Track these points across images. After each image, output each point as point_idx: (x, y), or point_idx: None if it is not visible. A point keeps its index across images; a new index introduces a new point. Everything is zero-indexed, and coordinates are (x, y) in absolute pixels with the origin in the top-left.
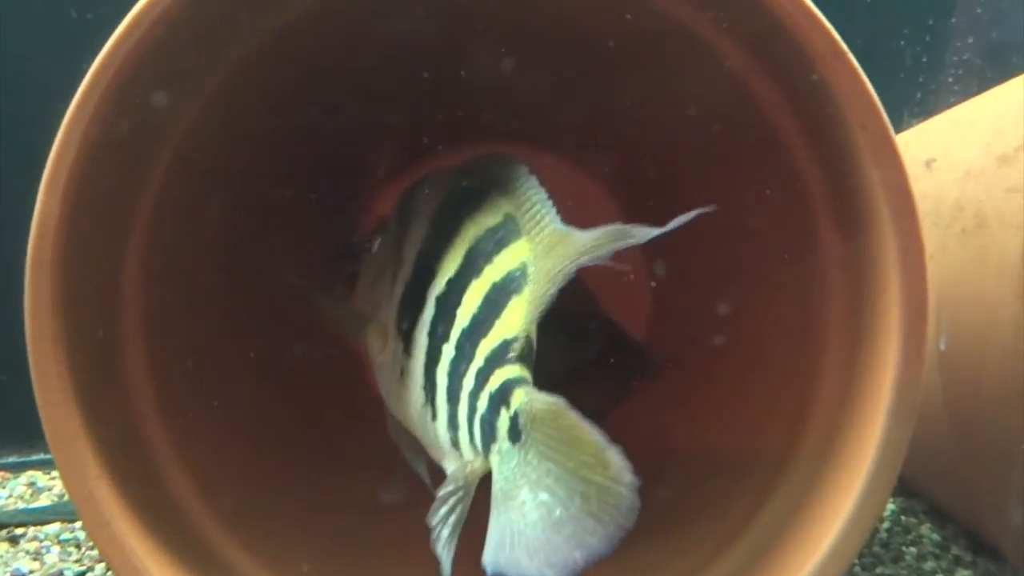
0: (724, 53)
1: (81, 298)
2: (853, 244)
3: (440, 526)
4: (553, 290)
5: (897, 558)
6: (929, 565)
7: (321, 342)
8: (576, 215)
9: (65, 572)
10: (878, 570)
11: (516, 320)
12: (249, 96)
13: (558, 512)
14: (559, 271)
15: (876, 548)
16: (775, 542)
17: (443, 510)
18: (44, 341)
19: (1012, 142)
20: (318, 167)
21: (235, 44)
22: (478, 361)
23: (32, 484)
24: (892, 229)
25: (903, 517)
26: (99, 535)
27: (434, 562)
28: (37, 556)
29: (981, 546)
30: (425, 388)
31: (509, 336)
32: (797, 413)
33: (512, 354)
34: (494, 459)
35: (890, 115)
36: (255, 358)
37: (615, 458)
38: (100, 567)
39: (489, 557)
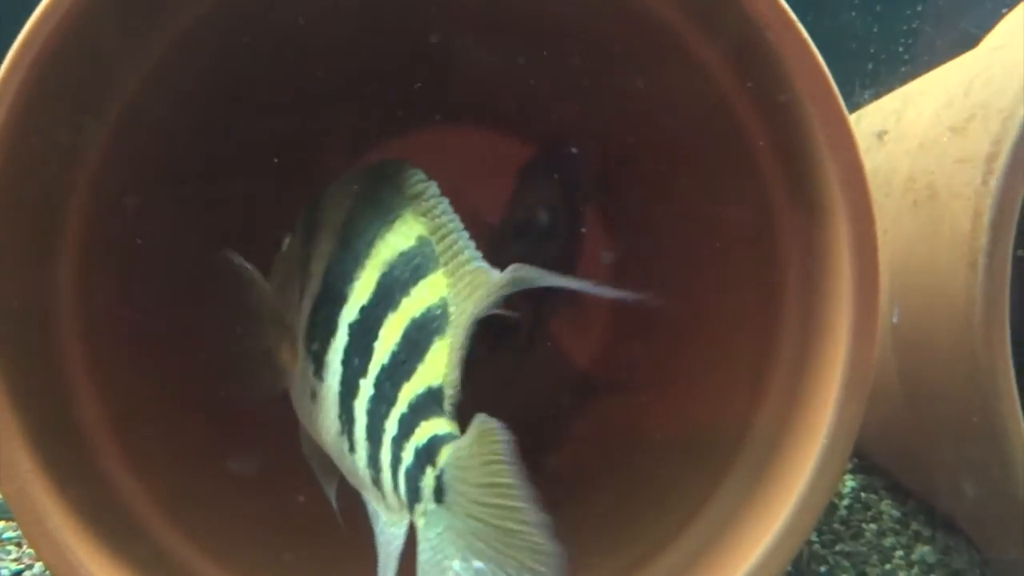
0: (676, 26)
1: (13, 294)
2: (806, 219)
3: None
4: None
5: (857, 535)
6: (889, 541)
7: None
8: None
9: (2, 571)
10: (838, 547)
11: (440, 366)
12: (185, 78)
13: None
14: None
15: (836, 525)
16: (733, 519)
17: None
18: None
19: (962, 113)
20: (261, 154)
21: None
22: (401, 406)
23: None
24: (843, 202)
25: (863, 494)
26: (32, 530)
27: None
28: None
29: (940, 522)
30: (341, 418)
31: (434, 384)
32: (753, 392)
33: (438, 405)
34: (419, 520)
35: (841, 86)
36: (198, 344)
37: (534, 521)
38: (39, 565)
39: None
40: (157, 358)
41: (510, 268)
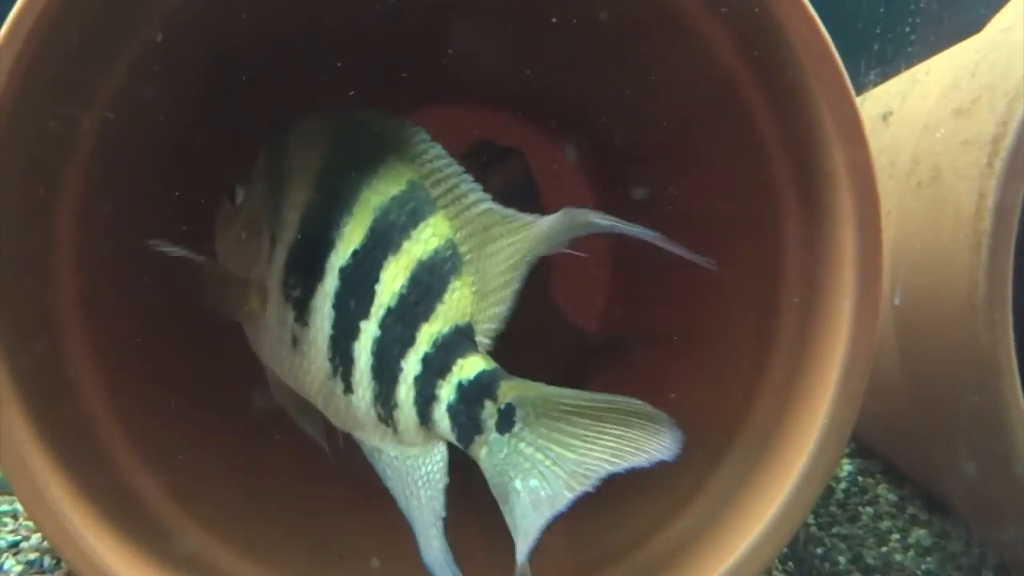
0: (681, 6)
1: (10, 265)
2: (811, 199)
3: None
4: (515, 286)
5: (854, 518)
6: (885, 524)
7: None
8: (547, 184)
9: None
10: (835, 530)
11: (464, 306)
12: (177, 59)
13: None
14: (515, 262)
15: (833, 508)
16: (733, 497)
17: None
18: None
19: (968, 95)
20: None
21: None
22: (422, 346)
23: None
24: (848, 184)
25: (860, 478)
26: (31, 501)
27: (393, 524)
28: None
29: (937, 505)
30: (333, 361)
31: (461, 323)
32: (754, 371)
33: (470, 342)
34: (481, 451)
35: (848, 65)
36: (203, 323)
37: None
38: (36, 537)
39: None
40: (155, 327)
41: (562, 211)
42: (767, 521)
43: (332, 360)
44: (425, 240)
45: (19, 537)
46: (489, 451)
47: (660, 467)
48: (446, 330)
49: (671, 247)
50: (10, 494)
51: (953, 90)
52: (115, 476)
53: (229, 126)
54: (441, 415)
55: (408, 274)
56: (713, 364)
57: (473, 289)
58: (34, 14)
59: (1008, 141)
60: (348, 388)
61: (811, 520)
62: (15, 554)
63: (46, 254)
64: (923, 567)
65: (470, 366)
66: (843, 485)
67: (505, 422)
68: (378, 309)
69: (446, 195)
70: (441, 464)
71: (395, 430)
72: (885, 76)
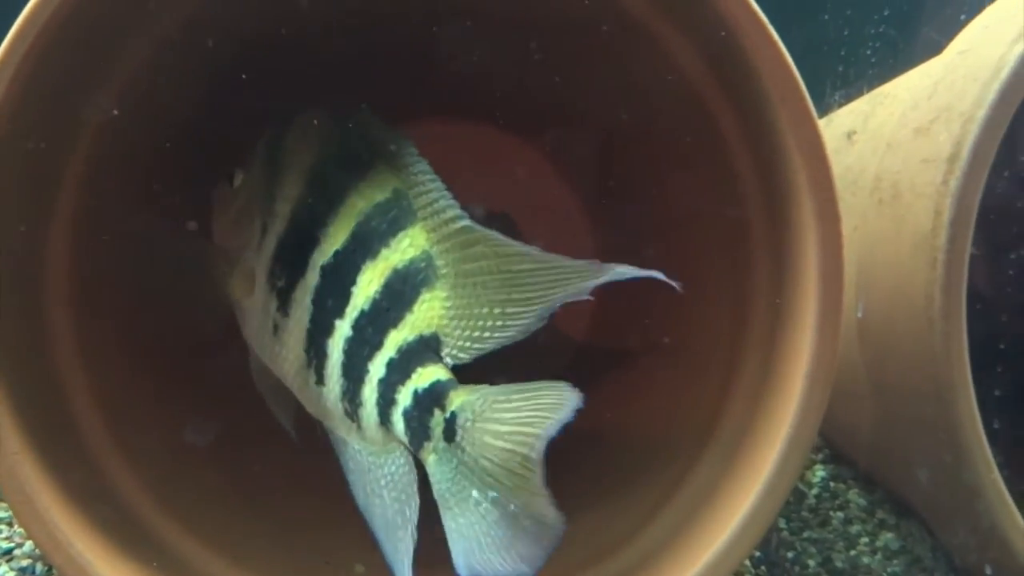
0: (653, 29)
1: (2, 276)
2: (776, 217)
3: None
4: (510, 323)
5: (824, 522)
6: (855, 528)
7: None
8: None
9: None
10: (806, 534)
11: (432, 317)
12: (182, 63)
13: (512, 507)
14: (509, 297)
15: (805, 513)
16: (703, 504)
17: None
18: None
19: (927, 115)
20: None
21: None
22: (388, 351)
23: None
24: (811, 201)
25: (832, 483)
26: (22, 509)
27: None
28: None
29: (905, 510)
30: (308, 352)
31: (426, 333)
32: (724, 382)
33: (433, 353)
34: (428, 457)
35: (812, 87)
36: (193, 331)
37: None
38: (29, 544)
39: (463, 563)
40: (146, 336)
41: (587, 262)
42: (737, 524)
43: (308, 351)
44: (402, 250)
45: (12, 544)
46: (438, 459)
47: (637, 473)
48: (411, 338)
49: (656, 276)
50: (2, 501)
51: (913, 110)
52: (104, 485)
53: (225, 130)
54: (398, 418)
55: (383, 281)
56: (685, 373)
57: (447, 304)
58: (36, 27)
59: (962, 161)
60: (320, 380)
61: (783, 524)
62: (8, 560)
63: (39, 266)
64: (889, 570)
65: (427, 375)
66: (815, 491)
67: (449, 431)
68: (352, 310)
69: (426, 208)
70: (406, 468)
71: (359, 426)
72: (849, 97)
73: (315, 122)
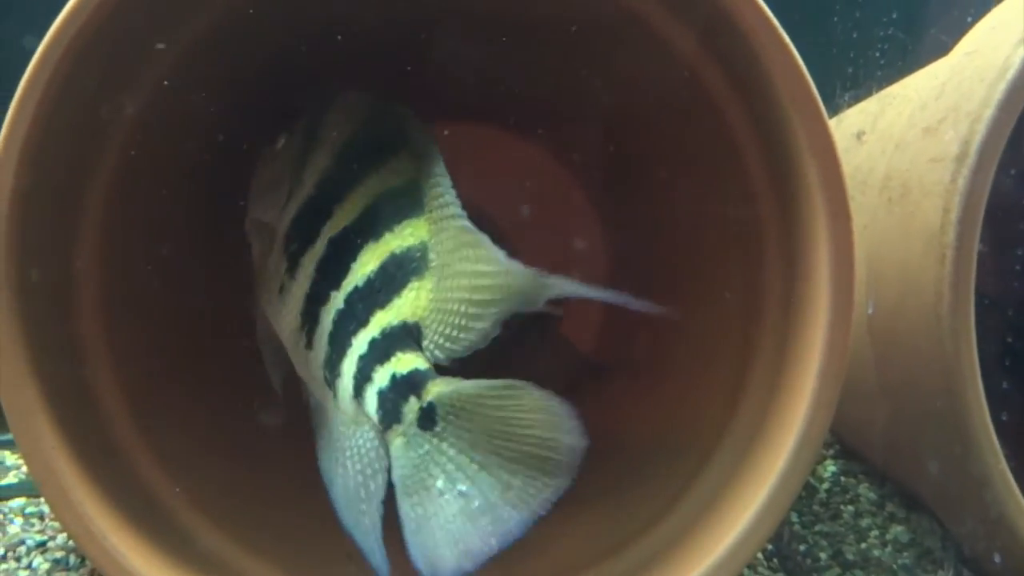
0: (665, 32)
1: (37, 278)
2: (788, 215)
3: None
4: (479, 325)
5: (835, 516)
6: (865, 522)
7: None
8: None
9: (26, 540)
10: (817, 527)
11: (417, 307)
12: (205, 74)
13: (477, 503)
14: (480, 300)
15: (816, 507)
16: (715, 500)
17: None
18: (1, 322)
19: (935, 115)
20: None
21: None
22: (372, 330)
23: (0, 463)
24: (822, 200)
25: (843, 478)
26: (57, 503)
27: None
28: (0, 526)
29: (914, 503)
30: (303, 315)
31: (410, 321)
32: (736, 379)
33: (414, 341)
34: (395, 440)
35: (822, 88)
36: (219, 330)
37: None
38: (62, 537)
39: (417, 552)
40: (176, 335)
41: (530, 272)
42: (750, 518)
43: (303, 314)
44: (403, 236)
45: (46, 537)
46: (406, 443)
47: (650, 468)
48: (395, 322)
49: (636, 305)
50: (37, 496)
51: (921, 111)
52: (135, 479)
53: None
54: (371, 396)
55: (380, 262)
56: (698, 373)
57: (431, 296)
58: (67, 38)
59: (970, 160)
60: (309, 344)
61: (795, 519)
62: (43, 552)
63: (72, 270)
64: (899, 562)
65: (407, 362)
66: (826, 485)
67: (426, 420)
68: (348, 284)
69: (432, 201)
70: (374, 444)
71: (335, 395)
72: (858, 98)
73: (357, 103)
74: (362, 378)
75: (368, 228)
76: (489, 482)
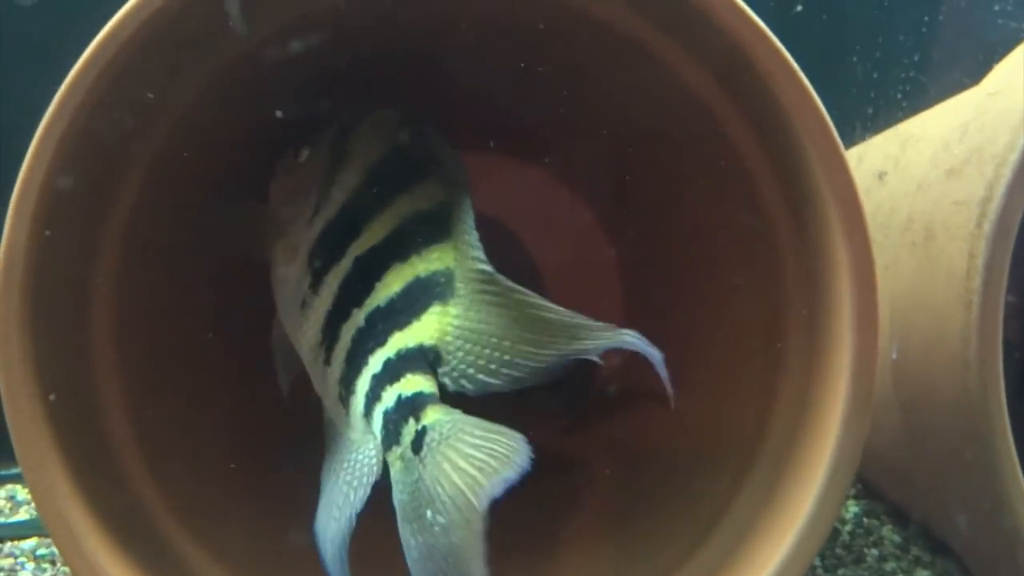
0: (683, 71)
1: (51, 318)
2: (810, 259)
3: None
4: (513, 372)
5: (859, 559)
6: (890, 566)
7: None
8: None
9: None
10: (840, 572)
11: (435, 330)
12: (226, 104)
13: (452, 539)
14: (517, 347)
15: (839, 550)
16: (741, 542)
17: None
18: (15, 362)
19: (959, 156)
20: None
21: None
22: (389, 350)
23: (11, 497)
24: (844, 243)
25: (865, 519)
26: (70, 553)
27: (394, 544)
28: (11, 572)
29: (940, 546)
30: (324, 332)
31: (427, 343)
32: (758, 424)
33: (427, 364)
34: (395, 463)
35: (842, 129)
36: (233, 371)
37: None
38: None
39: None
40: (190, 376)
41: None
42: (776, 565)
43: (324, 331)
44: (430, 260)
45: None
46: (404, 467)
47: (679, 510)
48: (412, 344)
49: (662, 374)
50: (47, 536)
51: (944, 152)
52: (148, 526)
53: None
54: (378, 415)
55: (404, 284)
56: (718, 422)
57: (455, 322)
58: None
59: (995, 204)
60: (327, 360)
61: (817, 562)
62: None
63: (86, 300)
64: None
65: (413, 383)
66: (848, 527)
67: (418, 443)
68: (370, 304)
69: (459, 235)
70: (371, 461)
71: (347, 412)
72: (875, 131)
73: (389, 120)
74: (373, 397)
75: (395, 249)
76: (460, 524)
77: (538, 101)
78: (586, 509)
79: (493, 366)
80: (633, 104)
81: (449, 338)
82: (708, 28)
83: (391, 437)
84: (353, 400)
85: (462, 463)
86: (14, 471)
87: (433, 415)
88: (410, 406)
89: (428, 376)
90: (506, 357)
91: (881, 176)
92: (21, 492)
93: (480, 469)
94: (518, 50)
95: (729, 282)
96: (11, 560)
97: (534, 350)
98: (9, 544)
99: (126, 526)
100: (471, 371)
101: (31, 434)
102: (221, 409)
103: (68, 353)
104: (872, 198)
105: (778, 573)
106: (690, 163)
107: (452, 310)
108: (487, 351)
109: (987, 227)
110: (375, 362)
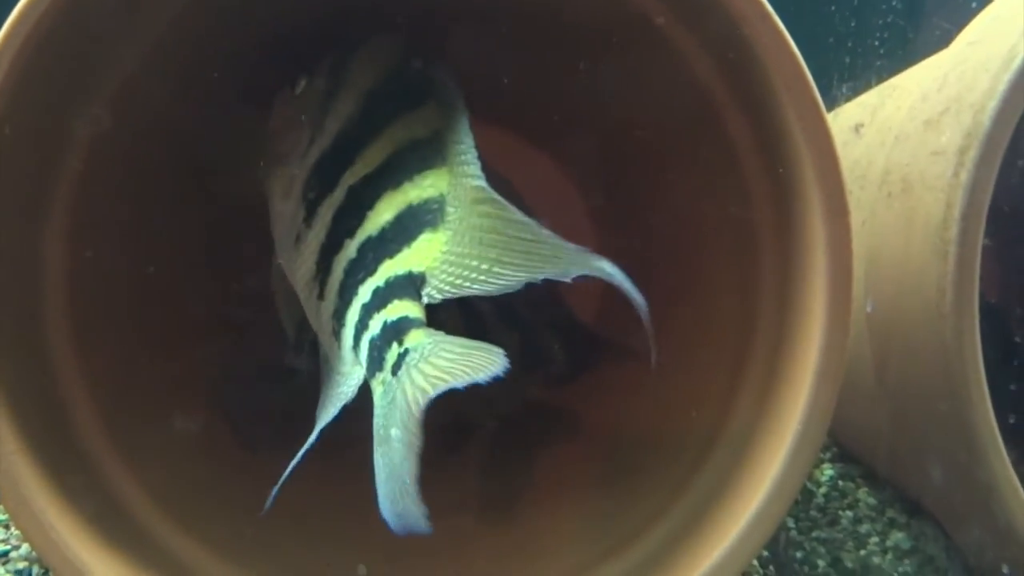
0: (660, 21)
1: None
2: (784, 211)
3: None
4: (498, 281)
5: (833, 521)
6: (865, 528)
7: (260, 308)
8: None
9: None
10: (815, 533)
11: (426, 257)
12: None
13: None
14: (502, 259)
15: (813, 512)
16: (710, 503)
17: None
18: None
19: (936, 107)
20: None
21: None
22: (378, 279)
23: None
24: (819, 195)
25: (840, 482)
26: (17, 511)
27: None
28: None
29: (915, 509)
30: (318, 264)
31: (416, 270)
32: (732, 379)
33: (414, 290)
34: (377, 389)
35: (819, 79)
36: (186, 325)
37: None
38: (26, 547)
39: (384, 505)
40: (144, 336)
41: (571, 248)
42: (745, 523)
43: (318, 264)
44: (422, 187)
45: (9, 547)
46: (384, 391)
47: (644, 471)
48: (401, 272)
49: (647, 327)
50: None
51: (922, 103)
52: (101, 485)
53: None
54: (364, 344)
55: (396, 212)
56: (692, 372)
57: (444, 248)
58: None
59: (973, 153)
60: (321, 295)
61: (791, 524)
62: (4, 563)
63: (37, 268)
64: (900, 570)
65: (399, 308)
66: (823, 490)
67: (397, 365)
68: (362, 234)
69: (454, 156)
70: (350, 390)
71: (339, 346)
72: (856, 91)
73: (386, 47)
74: (361, 327)
75: (388, 177)
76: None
77: (535, 78)
78: (547, 485)
79: (467, 283)
80: (615, 64)
81: (436, 263)
82: None
83: (375, 364)
84: (344, 332)
85: (433, 374)
86: None
87: (416, 337)
88: (395, 330)
89: (415, 301)
90: (482, 277)
91: (858, 128)
92: None
93: (449, 372)
94: (517, 23)
95: (700, 243)
96: None
97: (511, 272)
98: None
99: (74, 483)
100: (446, 287)
101: None
102: (175, 358)
103: (18, 313)
104: (849, 152)
105: (749, 528)
106: (664, 116)
107: (442, 236)
108: (466, 272)
109: (964, 176)
110: (365, 292)
